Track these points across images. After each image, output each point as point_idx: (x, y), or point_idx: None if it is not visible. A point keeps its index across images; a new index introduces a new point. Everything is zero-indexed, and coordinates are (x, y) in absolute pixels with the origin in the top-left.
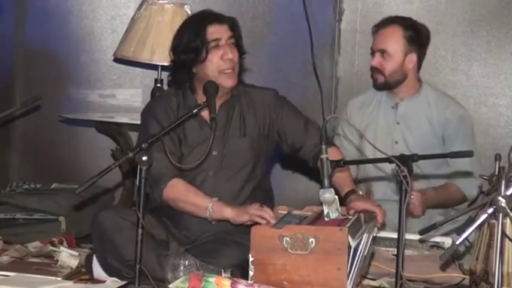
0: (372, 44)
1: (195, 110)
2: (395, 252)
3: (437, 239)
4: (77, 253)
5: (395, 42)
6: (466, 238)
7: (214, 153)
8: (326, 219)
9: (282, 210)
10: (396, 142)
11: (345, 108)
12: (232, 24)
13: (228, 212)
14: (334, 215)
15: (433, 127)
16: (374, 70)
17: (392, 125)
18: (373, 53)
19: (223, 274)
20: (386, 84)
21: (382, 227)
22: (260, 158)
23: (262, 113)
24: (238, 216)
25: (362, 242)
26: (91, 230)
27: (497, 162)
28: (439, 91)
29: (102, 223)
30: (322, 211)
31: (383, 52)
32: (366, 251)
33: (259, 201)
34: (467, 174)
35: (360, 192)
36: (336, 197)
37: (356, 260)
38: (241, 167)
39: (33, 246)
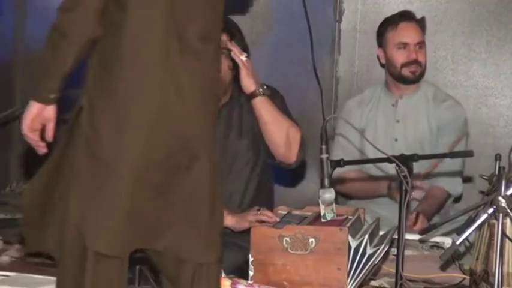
0: (398, 38)
1: None
2: (396, 252)
3: (437, 239)
4: None
5: (422, 35)
6: (466, 238)
7: None
8: (323, 220)
9: (282, 210)
10: (396, 140)
11: (344, 109)
12: (230, 34)
13: (229, 220)
14: (330, 215)
15: (430, 122)
16: (411, 64)
17: (392, 123)
18: (403, 46)
19: (223, 274)
20: (420, 77)
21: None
22: (259, 158)
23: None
24: (238, 224)
25: (373, 250)
26: None
27: (497, 162)
28: (437, 87)
29: None
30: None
31: (420, 44)
32: (377, 260)
33: (263, 203)
34: (450, 172)
35: None
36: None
37: (358, 261)
38: (240, 169)
39: None
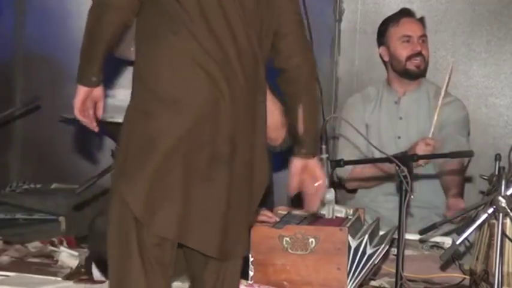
0: (401, 32)
1: None
2: (396, 252)
3: (437, 239)
4: (77, 253)
5: (423, 29)
6: (466, 238)
7: None
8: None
9: (282, 210)
10: (399, 137)
11: (346, 106)
12: None
13: None
14: (331, 213)
15: (432, 119)
16: (415, 56)
17: (395, 120)
18: (407, 39)
19: None
20: (424, 71)
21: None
22: None
23: None
24: None
25: (373, 250)
26: (88, 235)
27: (497, 162)
28: (437, 86)
29: (99, 229)
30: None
31: (422, 37)
32: (377, 260)
33: (262, 202)
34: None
35: None
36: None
37: (358, 261)
38: None
39: (33, 246)
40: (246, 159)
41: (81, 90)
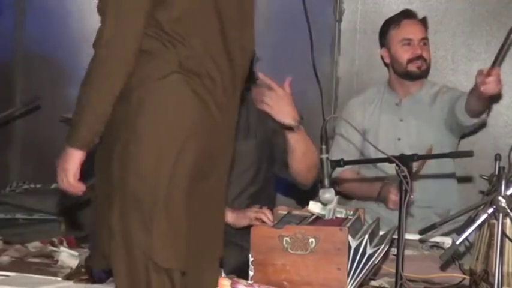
0: (402, 35)
1: None
2: (396, 252)
3: (437, 239)
4: (77, 253)
5: (425, 32)
6: (466, 238)
7: None
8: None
9: (282, 210)
10: (399, 139)
11: (347, 108)
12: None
13: (229, 216)
14: (331, 215)
15: (433, 120)
16: (416, 59)
17: (396, 122)
18: (407, 42)
19: (223, 274)
20: (426, 72)
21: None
22: (263, 162)
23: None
24: (238, 220)
25: (373, 250)
26: (88, 235)
27: (497, 162)
28: (441, 86)
29: None
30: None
31: (423, 40)
32: (377, 260)
33: (261, 204)
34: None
35: None
36: (336, 197)
37: (358, 261)
38: (244, 170)
39: (33, 246)
40: (225, 170)
41: (79, 156)
